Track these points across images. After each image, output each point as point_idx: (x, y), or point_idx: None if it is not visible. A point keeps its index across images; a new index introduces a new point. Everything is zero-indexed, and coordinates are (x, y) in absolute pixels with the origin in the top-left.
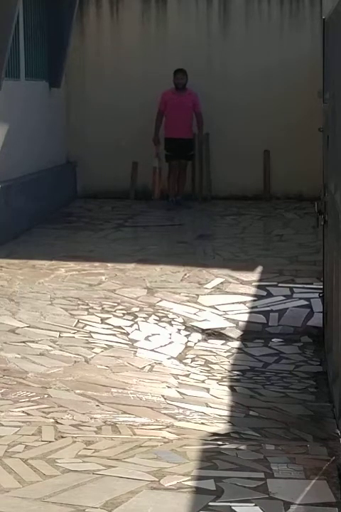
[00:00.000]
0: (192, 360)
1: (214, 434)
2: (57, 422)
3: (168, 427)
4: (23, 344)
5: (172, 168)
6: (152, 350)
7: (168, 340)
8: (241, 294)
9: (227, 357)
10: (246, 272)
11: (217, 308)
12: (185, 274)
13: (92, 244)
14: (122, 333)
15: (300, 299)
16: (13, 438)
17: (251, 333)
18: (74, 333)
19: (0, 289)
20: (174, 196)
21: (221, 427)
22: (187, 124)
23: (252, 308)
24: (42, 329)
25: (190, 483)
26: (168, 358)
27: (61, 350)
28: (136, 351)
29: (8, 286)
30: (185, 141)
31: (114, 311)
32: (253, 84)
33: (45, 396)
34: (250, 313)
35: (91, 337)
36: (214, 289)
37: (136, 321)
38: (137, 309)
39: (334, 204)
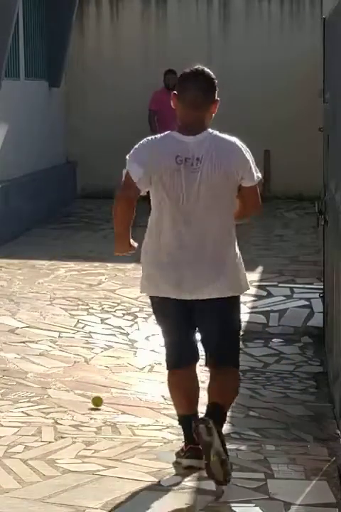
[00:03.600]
0: None
1: None
2: (57, 423)
3: (168, 427)
4: (22, 344)
5: None
6: (152, 350)
7: None
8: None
9: None
10: (246, 271)
11: None
12: None
13: (92, 245)
14: (122, 334)
15: (300, 299)
16: (13, 438)
17: (251, 333)
18: (73, 333)
19: (0, 289)
20: None
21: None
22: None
23: (252, 308)
24: (42, 329)
25: (190, 483)
26: None
27: (61, 351)
28: (135, 351)
29: (8, 286)
30: None
31: (114, 312)
32: (254, 84)
33: (45, 396)
34: (250, 313)
35: (91, 337)
36: None
37: (135, 321)
38: (137, 309)
39: (334, 204)
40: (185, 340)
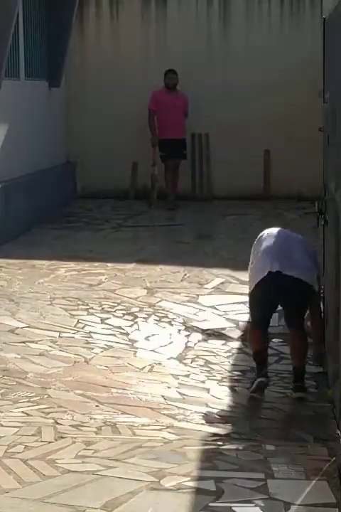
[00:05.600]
0: (192, 360)
1: (214, 434)
2: (57, 423)
3: (168, 427)
4: (22, 344)
5: (169, 168)
6: (152, 350)
7: (168, 341)
8: (241, 294)
9: (227, 357)
10: (246, 271)
11: (217, 309)
12: (185, 274)
13: (92, 244)
14: (122, 334)
15: None
16: (13, 438)
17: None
18: (73, 333)
19: (0, 289)
20: (173, 195)
21: (221, 428)
22: (180, 124)
23: None
24: (41, 329)
25: (190, 483)
26: (168, 359)
27: (61, 351)
28: (135, 351)
29: (8, 286)
30: (180, 141)
31: (114, 311)
32: (254, 83)
33: (45, 396)
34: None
35: (91, 337)
36: (214, 289)
37: (135, 321)
38: (137, 309)
39: (334, 204)
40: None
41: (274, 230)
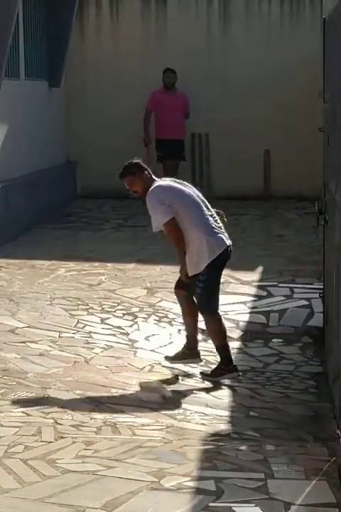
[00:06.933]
0: None
1: (215, 434)
2: (57, 423)
3: (168, 427)
4: (22, 344)
5: (167, 168)
6: (152, 350)
7: (168, 341)
8: (242, 294)
9: None
10: (246, 271)
11: None
12: None
13: (92, 244)
14: (122, 334)
15: (300, 299)
16: (13, 438)
17: (251, 334)
18: (73, 333)
19: (0, 289)
20: None
21: (221, 428)
22: (179, 125)
23: (252, 308)
24: (41, 329)
25: (190, 483)
26: None
27: (61, 351)
28: (135, 351)
29: (8, 286)
30: (178, 141)
31: (114, 312)
32: (254, 83)
33: (45, 396)
34: (250, 313)
35: (91, 337)
36: None
37: (135, 321)
38: (137, 309)
39: (334, 204)
40: None
41: (181, 184)
